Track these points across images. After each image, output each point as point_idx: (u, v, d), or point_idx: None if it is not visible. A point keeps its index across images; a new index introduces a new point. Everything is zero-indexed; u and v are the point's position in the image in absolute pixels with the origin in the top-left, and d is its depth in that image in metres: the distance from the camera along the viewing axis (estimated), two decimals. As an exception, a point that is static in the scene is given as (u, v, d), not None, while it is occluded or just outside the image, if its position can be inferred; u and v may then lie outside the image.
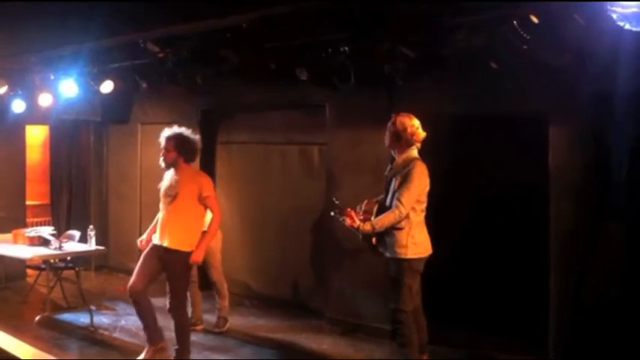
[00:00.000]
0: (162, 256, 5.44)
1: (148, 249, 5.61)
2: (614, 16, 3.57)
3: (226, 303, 6.86)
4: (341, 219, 5.07)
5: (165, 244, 5.41)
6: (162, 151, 5.52)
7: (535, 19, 4.40)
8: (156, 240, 5.52)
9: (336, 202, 5.19)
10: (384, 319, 6.10)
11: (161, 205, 5.57)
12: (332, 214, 5.17)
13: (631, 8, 3.50)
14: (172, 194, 5.43)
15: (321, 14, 5.18)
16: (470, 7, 4.63)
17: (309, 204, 7.56)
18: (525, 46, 4.58)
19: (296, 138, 7.85)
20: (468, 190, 6.46)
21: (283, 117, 7.92)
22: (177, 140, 5.49)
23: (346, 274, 6.97)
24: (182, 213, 5.40)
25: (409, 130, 5.03)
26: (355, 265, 6.76)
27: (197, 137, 5.64)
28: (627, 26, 3.56)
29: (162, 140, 5.55)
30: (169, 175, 5.58)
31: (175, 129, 5.58)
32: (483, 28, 4.74)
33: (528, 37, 4.49)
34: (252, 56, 6.03)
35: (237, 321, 7.10)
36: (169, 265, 5.43)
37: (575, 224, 5.50)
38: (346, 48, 5.57)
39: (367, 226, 4.96)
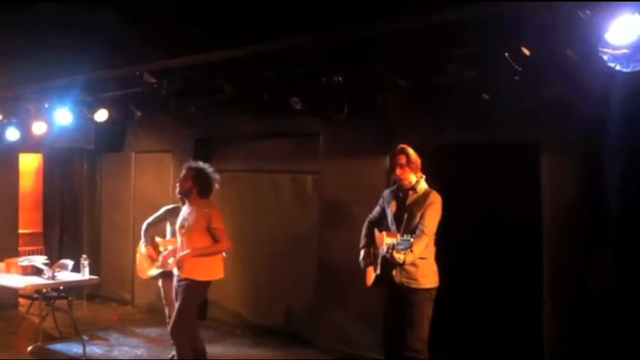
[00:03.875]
0: (177, 283, 5.73)
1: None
2: (605, 57, 3.63)
3: None
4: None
5: (179, 272, 5.68)
6: (180, 178, 5.80)
7: (527, 52, 4.46)
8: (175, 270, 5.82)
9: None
10: (378, 348, 6.06)
11: (177, 236, 5.83)
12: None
13: (621, 50, 3.56)
14: (185, 225, 5.71)
15: (315, 45, 5.23)
16: (463, 39, 4.69)
17: (302, 233, 7.56)
18: (517, 77, 4.64)
19: (289, 166, 7.86)
20: (460, 221, 6.45)
21: (277, 145, 7.94)
22: (194, 172, 5.78)
23: (340, 303, 6.96)
24: (193, 243, 5.64)
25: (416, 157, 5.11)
26: (349, 293, 6.74)
27: (216, 177, 5.87)
28: (618, 67, 3.62)
29: (183, 169, 5.86)
30: (185, 208, 5.82)
31: (199, 163, 5.90)
32: (476, 59, 4.79)
33: (520, 69, 4.55)
34: (245, 86, 6.08)
35: (230, 351, 7.07)
36: (181, 291, 5.66)
37: (568, 253, 5.52)
38: (340, 78, 5.62)
39: (409, 257, 4.84)
